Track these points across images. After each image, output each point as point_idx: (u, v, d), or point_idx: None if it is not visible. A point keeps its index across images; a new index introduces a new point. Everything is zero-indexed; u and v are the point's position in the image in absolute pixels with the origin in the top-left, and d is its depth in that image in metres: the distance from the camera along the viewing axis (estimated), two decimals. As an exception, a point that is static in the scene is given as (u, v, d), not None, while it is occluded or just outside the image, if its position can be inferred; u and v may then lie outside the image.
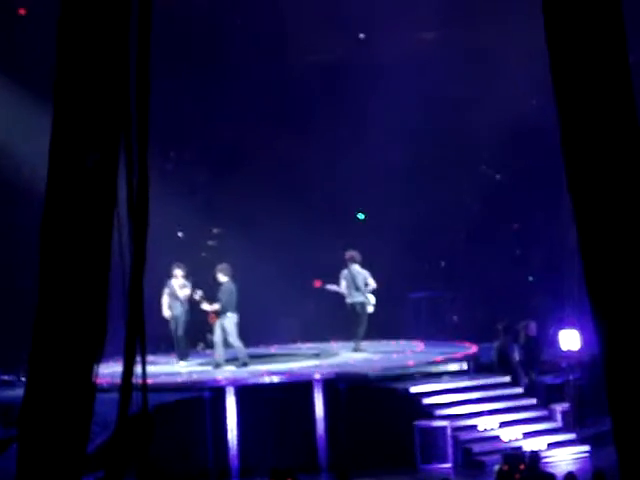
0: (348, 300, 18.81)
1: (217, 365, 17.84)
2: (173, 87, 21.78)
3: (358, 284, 18.71)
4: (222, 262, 18.63)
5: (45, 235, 5.59)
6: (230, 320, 17.81)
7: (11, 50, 20.94)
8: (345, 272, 18.88)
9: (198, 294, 18.01)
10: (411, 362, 17.95)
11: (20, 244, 18.26)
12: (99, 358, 5.62)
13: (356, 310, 18.81)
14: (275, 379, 16.76)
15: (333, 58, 23.23)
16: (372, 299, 18.82)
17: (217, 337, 17.89)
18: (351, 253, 18.95)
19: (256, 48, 22.75)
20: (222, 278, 18.04)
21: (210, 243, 23.93)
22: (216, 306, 17.91)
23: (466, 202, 23.45)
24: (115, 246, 5.83)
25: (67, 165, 5.57)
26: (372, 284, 18.74)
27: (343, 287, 18.84)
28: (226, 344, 17.92)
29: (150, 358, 17.49)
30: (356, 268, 18.83)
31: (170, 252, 20.11)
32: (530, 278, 22.98)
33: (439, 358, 18.11)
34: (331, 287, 19.11)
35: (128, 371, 5.38)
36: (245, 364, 17.76)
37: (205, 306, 18.07)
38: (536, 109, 20.97)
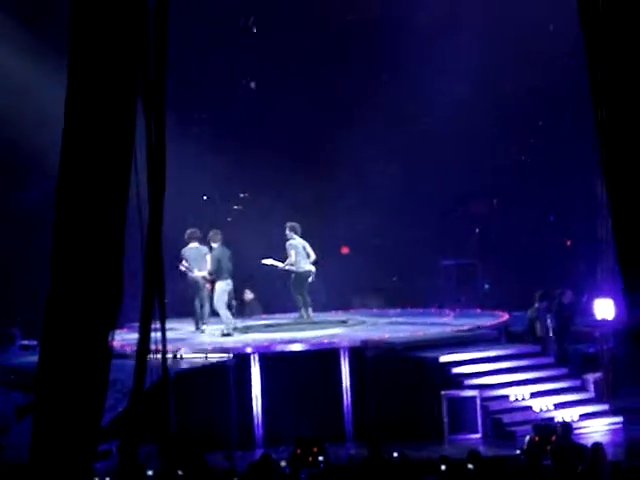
0: (300, 269, 18.53)
1: (225, 334, 17.58)
2: (201, 49, 21.53)
3: (308, 252, 18.65)
4: (248, 226, 18.43)
5: (60, 197, 5.33)
6: (219, 286, 17.54)
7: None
8: (293, 242, 18.62)
9: (184, 265, 17.67)
10: (441, 330, 17.64)
11: (38, 208, 18.09)
12: (115, 323, 5.35)
13: (308, 278, 18.63)
14: (301, 347, 16.48)
15: (370, 19, 22.88)
16: (313, 269, 18.68)
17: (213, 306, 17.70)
18: (293, 224, 18.80)
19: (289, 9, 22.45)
20: (213, 245, 17.78)
21: (236, 207, 23.70)
22: (203, 272, 17.66)
23: (500, 167, 23.08)
24: (132, 211, 5.54)
25: (83, 124, 5.32)
26: (313, 255, 18.68)
27: (293, 257, 18.55)
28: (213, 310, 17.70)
29: (174, 324, 17.44)
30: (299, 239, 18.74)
31: (195, 216, 19.92)
32: (568, 242, 22.60)
33: (469, 326, 17.81)
34: (268, 261, 18.81)
35: (144, 336, 5.09)
36: (228, 334, 17.47)
37: (196, 273, 17.78)
38: (574, 70, 20.54)
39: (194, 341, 17.42)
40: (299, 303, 18.85)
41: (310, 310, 18.86)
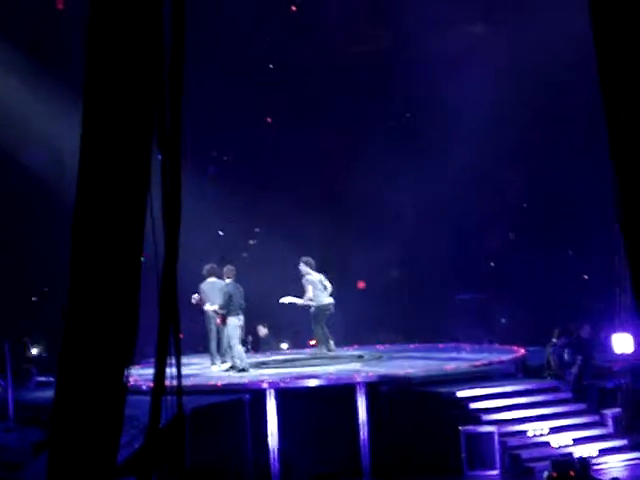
0: (319, 303, 18.53)
1: (240, 369, 17.52)
2: (214, 88, 21.64)
3: (325, 285, 18.68)
4: (263, 262, 18.41)
5: (76, 235, 5.33)
6: (231, 322, 17.51)
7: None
8: (310, 277, 18.61)
9: (194, 298, 17.62)
10: (457, 365, 17.54)
11: (55, 243, 18.08)
12: (131, 360, 5.32)
13: (327, 311, 18.64)
14: (317, 382, 16.41)
15: (377, 50, 22.96)
16: (332, 301, 18.73)
17: (226, 342, 17.63)
18: (307, 259, 18.82)
19: (297, 44, 22.56)
20: (226, 280, 17.76)
21: (251, 242, 23.71)
22: (215, 306, 17.64)
23: (516, 201, 23.05)
24: (148, 242, 5.53)
25: (98, 163, 5.32)
26: (329, 287, 18.73)
27: (310, 292, 18.51)
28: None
29: (190, 360, 17.36)
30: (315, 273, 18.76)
31: (212, 252, 19.93)
32: (585, 277, 22.49)
33: (486, 361, 17.71)
34: (287, 300, 18.76)
35: (160, 373, 5.06)
36: (243, 370, 17.41)
37: (207, 307, 17.76)
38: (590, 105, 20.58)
39: (209, 377, 17.36)
40: (319, 337, 18.82)
41: (332, 343, 18.79)
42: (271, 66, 22.95)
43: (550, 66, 21.03)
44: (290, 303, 18.82)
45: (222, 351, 18.01)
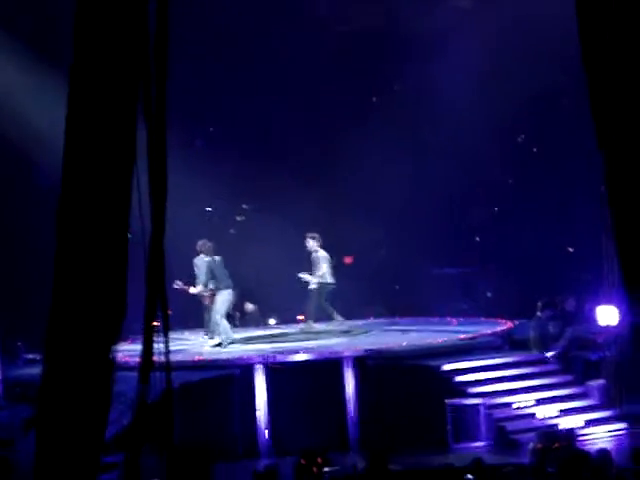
0: (326, 280, 18.64)
1: (223, 344, 17.60)
2: (203, 61, 21.57)
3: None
4: (251, 238, 18.43)
5: (63, 209, 5.36)
6: (221, 296, 17.50)
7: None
8: (322, 254, 18.72)
9: (178, 284, 17.62)
10: (443, 339, 17.65)
11: (43, 218, 18.10)
12: (118, 336, 5.37)
13: (332, 288, 18.77)
14: (304, 357, 16.49)
15: (364, 28, 22.92)
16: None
17: (213, 317, 17.69)
18: (315, 235, 18.88)
19: (287, 21, 22.50)
20: (202, 256, 17.75)
21: (239, 219, 23.73)
22: (200, 287, 17.66)
23: (500, 175, 23.10)
24: (135, 217, 5.58)
25: (84, 136, 5.34)
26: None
27: (324, 269, 18.61)
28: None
29: (179, 335, 17.38)
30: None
31: (199, 228, 19.94)
32: (570, 249, 22.58)
33: (472, 335, 17.81)
34: (305, 275, 18.80)
35: (147, 348, 5.12)
36: (225, 345, 17.47)
37: (192, 290, 17.78)
38: (572, 79, 20.58)
39: (198, 352, 17.43)
40: (311, 313, 18.80)
41: (337, 314, 18.78)
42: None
43: (538, 40, 21.01)
44: (306, 279, 18.75)
45: (210, 327, 18.08)
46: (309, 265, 18.89)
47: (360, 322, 19.85)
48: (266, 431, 15.92)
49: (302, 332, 18.99)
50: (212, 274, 17.57)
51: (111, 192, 5.34)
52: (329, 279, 18.68)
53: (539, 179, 22.71)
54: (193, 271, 18.12)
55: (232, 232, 22.85)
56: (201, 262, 17.83)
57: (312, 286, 18.67)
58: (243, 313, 20.61)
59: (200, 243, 17.92)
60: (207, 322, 18.23)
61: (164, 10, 5.29)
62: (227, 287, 17.63)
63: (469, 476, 10.88)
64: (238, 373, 16.08)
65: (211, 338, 18.02)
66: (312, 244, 18.73)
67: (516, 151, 23.49)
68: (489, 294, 23.04)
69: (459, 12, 22.34)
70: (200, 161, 21.16)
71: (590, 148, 6.85)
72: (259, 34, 22.63)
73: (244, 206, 23.95)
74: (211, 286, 17.59)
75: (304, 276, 18.70)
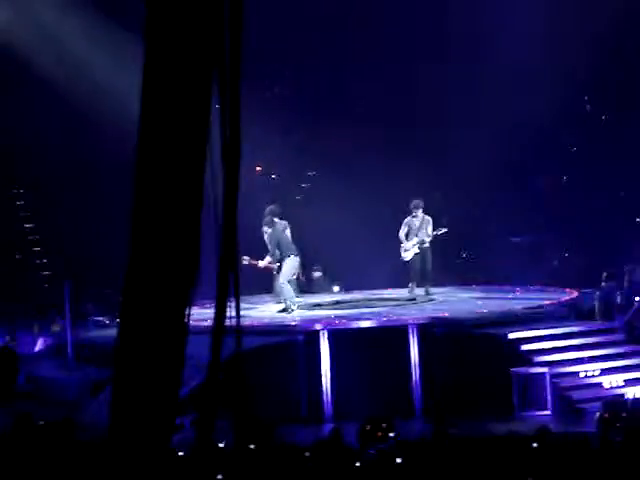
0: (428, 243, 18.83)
1: (287, 309, 17.70)
2: (273, 22, 21.55)
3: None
4: (316, 204, 18.45)
5: (138, 173, 5.41)
6: (286, 263, 17.57)
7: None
8: (428, 217, 18.85)
9: (245, 259, 17.68)
10: (510, 307, 17.59)
11: (116, 182, 18.31)
12: (192, 299, 5.43)
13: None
14: (369, 323, 16.54)
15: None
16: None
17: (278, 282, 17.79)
18: (418, 200, 19.07)
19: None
20: (267, 230, 17.79)
21: (304, 186, 23.77)
22: (268, 259, 17.70)
23: (567, 142, 22.89)
24: (208, 185, 5.63)
25: (159, 100, 5.37)
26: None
27: (430, 229, 18.82)
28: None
29: (247, 300, 17.53)
30: None
31: (264, 194, 20.01)
32: (638, 219, 22.36)
33: (538, 303, 17.73)
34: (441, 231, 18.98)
35: (220, 312, 5.16)
36: (290, 310, 17.55)
37: (260, 264, 17.82)
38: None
39: (262, 317, 17.55)
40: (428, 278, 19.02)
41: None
42: None
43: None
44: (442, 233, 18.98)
45: (276, 292, 18.19)
46: (367, 231, 18.99)
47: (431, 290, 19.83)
48: (330, 396, 16.01)
49: (367, 299, 19.04)
50: (278, 243, 17.63)
51: (185, 158, 5.38)
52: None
53: (608, 148, 22.46)
54: (257, 240, 18.18)
55: (297, 198, 22.89)
56: (268, 233, 17.90)
57: (416, 250, 18.82)
58: (309, 279, 20.69)
59: (266, 211, 17.96)
60: (275, 289, 18.31)
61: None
62: (292, 254, 17.67)
63: (534, 444, 10.85)
64: (302, 339, 16.16)
65: (278, 303, 18.13)
66: (419, 209, 18.91)
67: (585, 119, 23.22)
68: (555, 262, 22.88)
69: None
70: (268, 125, 21.18)
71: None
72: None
73: (310, 173, 23.97)
74: (277, 256, 17.65)
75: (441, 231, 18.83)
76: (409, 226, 19.02)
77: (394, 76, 22.75)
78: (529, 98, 21.55)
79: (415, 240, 18.89)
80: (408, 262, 19.07)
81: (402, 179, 22.00)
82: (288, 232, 17.95)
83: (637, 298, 17.39)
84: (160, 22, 5.33)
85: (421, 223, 18.93)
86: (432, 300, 18.75)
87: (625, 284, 17.61)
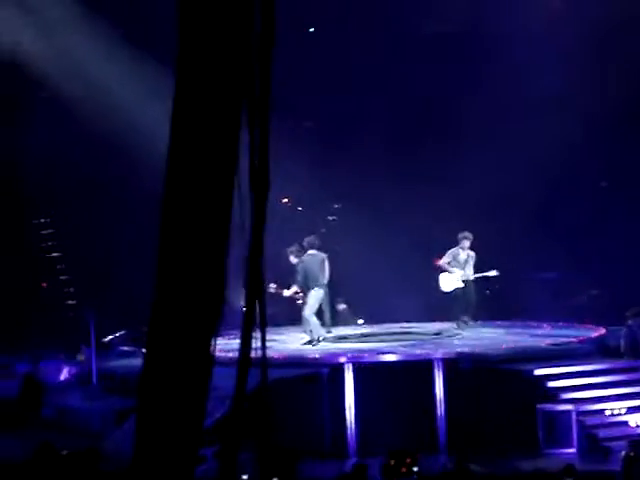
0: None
1: (313, 341, 17.68)
2: (299, 59, 21.67)
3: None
4: (341, 237, 18.46)
5: (165, 205, 5.42)
6: (311, 295, 17.56)
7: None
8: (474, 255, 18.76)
9: (272, 287, 17.70)
10: (536, 343, 17.48)
11: (143, 212, 18.39)
12: (218, 330, 5.43)
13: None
14: (395, 357, 16.48)
15: (453, 28, 22.82)
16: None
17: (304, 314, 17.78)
18: (466, 234, 19.00)
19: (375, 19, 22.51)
20: (293, 260, 17.82)
21: (330, 218, 23.79)
22: (294, 288, 17.73)
23: (595, 180, 22.83)
24: (235, 216, 5.64)
25: (188, 132, 5.39)
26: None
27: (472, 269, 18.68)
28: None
29: (274, 332, 17.48)
30: None
31: (291, 227, 20.04)
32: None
33: (566, 340, 17.63)
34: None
35: (246, 344, 5.16)
36: (317, 341, 17.52)
37: (285, 293, 17.87)
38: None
39: (287, 349, 17.53)
40: (469, 311, 18.92)
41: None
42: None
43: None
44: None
45: (303, 324, 18.17)
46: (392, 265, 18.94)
47: (453, 325, 19.73)
48: (354, 430, 15.93)
49: (391, 332, 18.99)
50: (305, 274, 17.66)
51: (214, 190, 5.38)
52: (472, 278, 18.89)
53: (637, 184, 22.38)
54: (282, 271, 18.21)
55: (323, 231, 22.90)
56: (295, 262, 17.93)
57: (459, 284, 18.77)
58: (334, 312, 20.67)
59: (305, 242, 17.99)
60: (303, 320, 18.28)
61: (270, 10, 5.33)
62: (319, 285, 17.68)
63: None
64: (327, 372, 16.12)
65: (304, 334, 18.13)
66: (467, 243, 18.84)
67: (613, 155, 23.16)
68: (583, 299, 22.76)
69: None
70: (293, 159, 21.25)
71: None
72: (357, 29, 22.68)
73: (335, 205, 23.99)
74: (302, 286, 17.67)
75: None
76: (454, 257, 18.91)
77: (413, 107, 22.80)
78: (560, 131, 21.50)
79: (460, 274, 18.75)
80: (449, 294, 18.97)
81: (428, 215, 21.98)
82: (327, 264, 17.93)
83: None
84: (191, 53, 5.36)
85: (467, 257, 18.87)
86: (458, 335, 18.66)
87: (653, 322, 17.48)
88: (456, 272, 18.76)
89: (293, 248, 17.98)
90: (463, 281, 18.75)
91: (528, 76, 21.43)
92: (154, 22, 19.81)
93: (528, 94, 21.49)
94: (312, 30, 23.24)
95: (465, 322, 18.91)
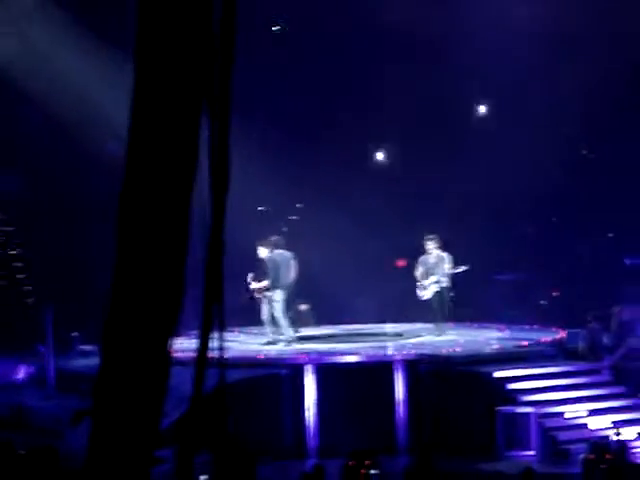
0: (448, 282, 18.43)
1: (270, 342, 17.63)
2: (260, 60, 21.63)
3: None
4: (303, 236, 18.38)
5: (123, 204, 5.35)
6: (278, 293, 17.51)
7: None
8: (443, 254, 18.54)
9: (249, 276, 17.59)
10: (496, 346, 17.53)
11: (100, 211, 18.26)
12: (175, 330, 5.35)
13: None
14: (355, 359, 16.45)
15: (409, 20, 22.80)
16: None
17: (265, 314, 17.65)
18: (433, 236, 18.69)
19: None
20: (263, 253, 17.66)
21: (292, 218, 23.73)
22: (265, 282, 17.58)
23: (558, 184, 22.93)
24: (194, 216, 5.58)
25: (147, 131, 5.32)
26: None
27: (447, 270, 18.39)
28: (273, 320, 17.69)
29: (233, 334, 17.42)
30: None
31: (251, 226, 19.95)
32: (627, 261, 22.36)
33: (525, 342, 17.68)
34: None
35: (204, 344, 5.09)
36: (289, 343, 17.47)
37: (256, 285, 17.70)
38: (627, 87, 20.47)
39: (248, 350, 17.46)
40: (442, 318, 18.57)
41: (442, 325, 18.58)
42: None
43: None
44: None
45: (267, 324, 18.06)
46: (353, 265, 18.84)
47: (415, 326, 19.73)
48: (314, 431, 15.89)
49: (353, 333, 18.95)
50: (276, 272, 17.55)
51: (173, 189, 5.32)
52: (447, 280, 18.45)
53: (597, 189, 22.51)
54: (242, 270, 18.09)
55: (285, 230, 22.84)
56: (266, 257, 17.74)
57: (436, 288, 18.36)
58: (296, 313, 20.61)
59: (270, 241, 17.83)
60: (266, 320, 18.15)
61: (232, 7, 5.27)
62: (287, 285, 17.63)
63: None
64: (287, 372, 16.07)
65: (266, 335, 18.06)
66: (432, 246, 18.45)
67: (577, 162, 23.29)
68: (543, 302, 22.85)
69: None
70: (255, 159, 21.18)
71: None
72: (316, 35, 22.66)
73: (298, 205, 23.94)
74: (273, 282, 17.51)
75: (431, 287, 18.31)
76: (424, 264, 18.52)
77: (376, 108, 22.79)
78: (522, 140, 21.61)
79: (433, 279, 18.43)
80: (428, 300, 18.52)
81: (390, 217, 22.01)
82: (293, 264, 17.83)
83: (629, 339, 17.34)
84: (150, 51, 5.29)
85: (436, 260, 18.46)
86: (419, 336, 18.67)
87: (613, 325, 17.57)
88: (431, 278, 18.45)
89: (265, 241, 17.84)
90: (437, 285, 18.39)
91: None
92: (116, 15, 19.72)
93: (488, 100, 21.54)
94: (276, 29, 23.16)
95: (442, 326, 18.65)
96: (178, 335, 5.31)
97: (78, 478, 5.39)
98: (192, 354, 5.26)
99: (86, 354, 18.47)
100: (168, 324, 5.22)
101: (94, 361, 16.11)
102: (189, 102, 5.29)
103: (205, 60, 5.29)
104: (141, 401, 5.12)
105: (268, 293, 17.61)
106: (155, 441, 5.24)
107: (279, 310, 17.62)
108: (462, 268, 18.31)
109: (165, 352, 5.14)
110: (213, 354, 5.24)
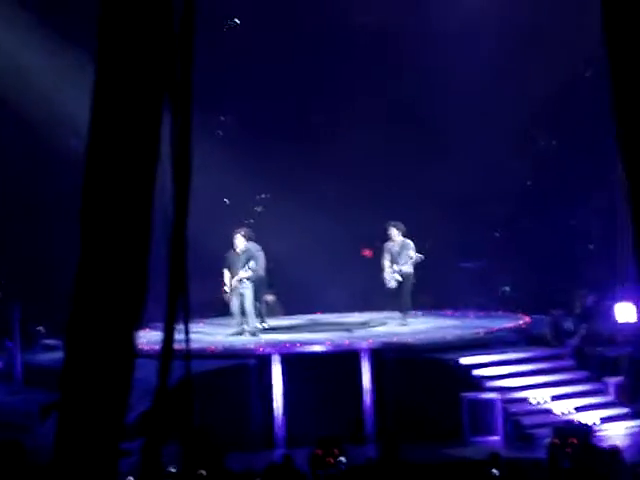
0: (411, 270, 18.29)
1: (236, 333, 17.69)
2: (220, 52, 21.59)
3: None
4: (268, 228, 18.37)
5: (86, 193, 5.36)
6: (248, 286, 17.58)
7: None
8: (408, 241, 18.36)
9: (225, 274, 17.59)
10: (461, 332, 17.63)
11: (65, 207, 18.19)
12: (140, 322, 5.37)
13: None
14: (322, 348, 16.52)
15: (382, 22, 22.85)
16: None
17: (235, 306, 17.65)
18: (399, 223, 18.60)
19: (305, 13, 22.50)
20: (240, 243, 17.60)
21: (257, 209, 23.71)
22: (248, 273, 17.58)
23: (520, 171, 23.07)
24: (157, 210, 5.60)
25: (108, 123, 5.33)
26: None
27: (414, 255, 18.18)
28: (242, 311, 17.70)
29: (198, 325, 17.41)
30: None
31: (216, 219, 19.94)
32: (591, 246, 22.52)
33: (490, 329, 17.80)
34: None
35: (168, 336, 5.12)
36: (254, 334, 17.53)
37: (242, 274, 17.67)
38: (590, 77, 20.60)
39: (214, 341, 17.46)
40: (407, 306, 18.41)
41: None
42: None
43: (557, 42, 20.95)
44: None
45: (233, 314, 18.08)
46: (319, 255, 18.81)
47: (381, 314, 19.79)
48: (282, 421, 15.95)
49: (319, 323, 19.00)
50: (255, 262, 17.58)
51: (135, 179, 5.33)
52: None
53: (559, 176, 22.66)
54: (207, 263, 18.06)
55: (251, 222, 22.83)
56: (242, 248, 17.70)
57: (399, 277, 18.10)
58: (263, 304, 20.63)
59: (240, 233, 17.79)
60: (235, 312, 18.11)
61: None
62: (257, 277, 17.70)
63: (494, 471, 10.87)
64: (254, 363, 16.11)
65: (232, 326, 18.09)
66: (396, 232, 18.29)
67: (536, 148, 23.44)
68: (507, 288, 22.99)
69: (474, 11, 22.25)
70: (218, 151, 21.16)
71: (608, 145, 6.84)
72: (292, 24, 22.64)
73: (262, 196, 23.92)
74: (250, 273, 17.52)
75: (395, 275, 18.10)
76: (389, 251, 18.32)
77: (344, 97, 22.84)
78: (484, 127, 21.71)
79: (396, 267, 18.27)
80: (393, 288, 18.23)
81: (355, 206, 22.03)
82: (263, 256, 17.87)
83: (583, 325, 17.51)
84: (111, 44, 5.31)
85: (400, 248, 18.24)
86: (385, 324, 18.72)
87: (577, 310, 17.71)
88: (394, 267, 18.27)
89: (243, 231, 17.79)
90: (399, 273, 18.22)
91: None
92: (80, 16, 19.64)
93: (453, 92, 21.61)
94: (234, 23, 23.13)
95: (407, 314, 18.56)
96: (143, 327, 5.33)
97: (45, 472, 5.41)
98: (157, 346, 5.29)
99: (51, 348, 18.41)
100: (132, 317, 5.24)
101: (59, 355, 16.09)
102: (150, 96, 5.31)
103: (166, 54, 5.31)
104: (106, 394, 5.14)
105: (243, 284, 17.60)
106: (121, 433, 5.27)
107: (250, 301, 17.62)
108: (416, 256, 18.11)
109: (130, 345, 5.16)
110: (178, 346, 5.26)
